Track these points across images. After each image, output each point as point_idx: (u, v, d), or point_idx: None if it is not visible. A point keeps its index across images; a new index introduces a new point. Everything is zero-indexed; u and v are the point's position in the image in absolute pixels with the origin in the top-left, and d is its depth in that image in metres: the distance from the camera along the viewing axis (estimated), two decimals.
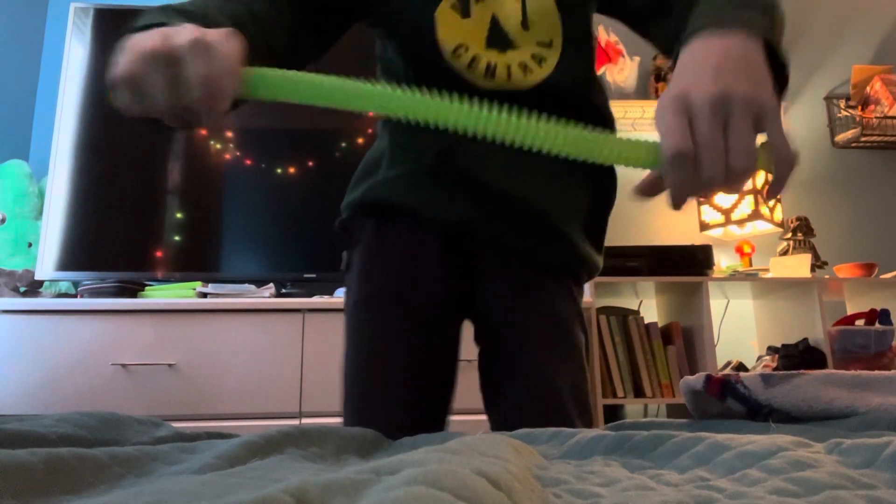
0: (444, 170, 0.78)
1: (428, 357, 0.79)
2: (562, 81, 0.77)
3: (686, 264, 2.04)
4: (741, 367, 2.12)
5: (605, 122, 0.83)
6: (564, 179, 0.81)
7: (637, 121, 2.44)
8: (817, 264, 2.23)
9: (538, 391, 0.75)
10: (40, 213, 2.05)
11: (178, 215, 2.02)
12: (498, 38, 0.75)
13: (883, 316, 2.04)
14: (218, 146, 2.08)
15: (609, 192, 0.88)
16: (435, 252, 0.80)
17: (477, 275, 0.82)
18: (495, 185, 0.78)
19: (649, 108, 2.41)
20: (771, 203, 2.34)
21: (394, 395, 0.76)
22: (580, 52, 0.79)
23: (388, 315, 0.79)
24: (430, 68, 0.76)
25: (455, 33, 0.74)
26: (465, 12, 0.74)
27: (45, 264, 1.89)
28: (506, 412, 0.78)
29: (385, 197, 0.81)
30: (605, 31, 2.43)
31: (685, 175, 0.49)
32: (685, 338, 2.05)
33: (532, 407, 0.75)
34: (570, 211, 0.82)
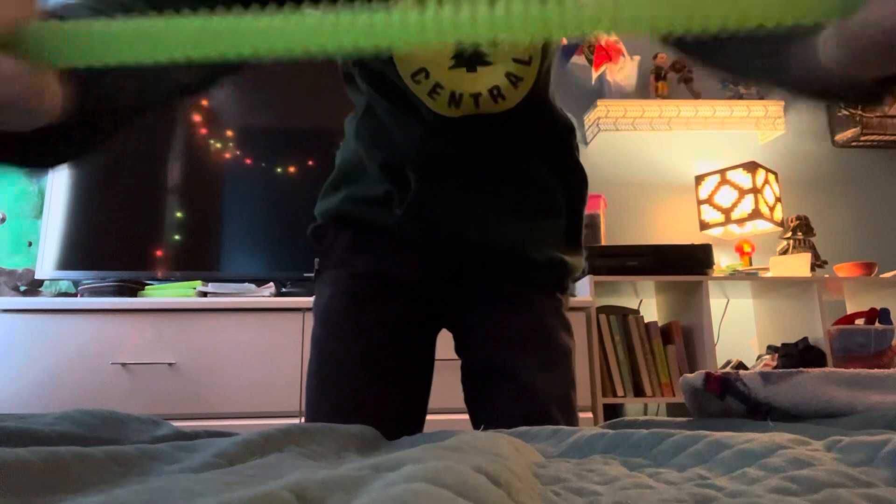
0: (415, 224, 0.76)
1: (398, 374, 0.77)
2: (534, 102, 0.71)
3: (686, 263, 2.04)
4: (741, 366, 2.12)
5: (570, 130, 0.82)
6: (539, 212, 0.79)
7: (637, 120, 2.43)
8: (817, 263, 2.24)
9: (525, 403, 0.74)
10: (40, 212, 2.05)
11: (178, 214, 2.02)
12: (467, 52, 0.66)
13: (883, 315, 2.04)
14: (218, 145, 2.08)
15: (580, 194, 0.84)
16: (414, 267, 0.78)
17: (460, 288, 0.80)
18: (469, 235, 0.77)
19: (649, 107, 2.41)
20: (771, 201, 2.34)
21: (362, 414, 0.70)
22: (550, 61, 0.72)
23: (359, 328, 0.77)
24: (390, 88, 0.69)
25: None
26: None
27: (45, 263, 1.89)
28: (492, 423, 0.77)
29: (364, 213, 0.79)
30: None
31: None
32: (685, 337, 2.05)
33: (518, 417, 0.72)
34: (549, 239, 0.81)
